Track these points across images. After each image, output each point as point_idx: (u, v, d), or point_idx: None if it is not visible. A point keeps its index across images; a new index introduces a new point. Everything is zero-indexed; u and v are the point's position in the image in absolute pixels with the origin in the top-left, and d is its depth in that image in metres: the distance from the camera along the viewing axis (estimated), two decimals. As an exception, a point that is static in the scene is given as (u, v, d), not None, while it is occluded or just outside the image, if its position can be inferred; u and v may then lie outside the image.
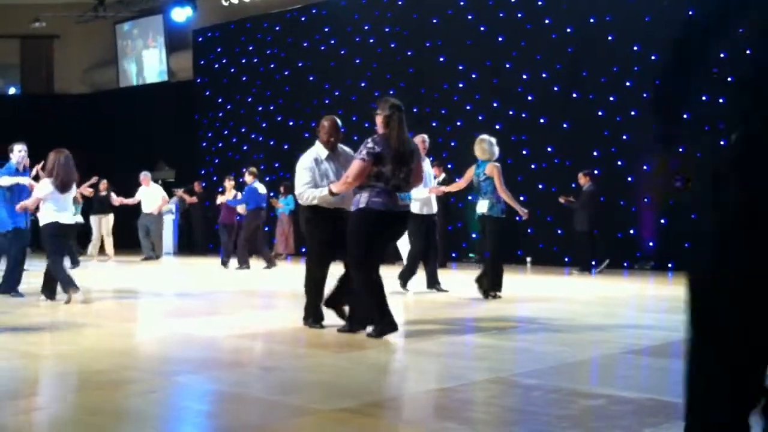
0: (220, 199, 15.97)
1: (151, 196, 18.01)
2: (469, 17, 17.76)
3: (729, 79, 12.75)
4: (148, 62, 25.00)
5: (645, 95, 15.36)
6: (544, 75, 16.65)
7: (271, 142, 21.10)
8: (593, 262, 15.16)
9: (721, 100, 14.56)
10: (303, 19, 20.82)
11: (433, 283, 10.59)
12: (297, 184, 7.06)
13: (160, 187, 18.66)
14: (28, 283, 10.15)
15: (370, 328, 6.60)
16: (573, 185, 15.87)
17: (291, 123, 20.61)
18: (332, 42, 20.06)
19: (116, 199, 17.36)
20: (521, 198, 15.43)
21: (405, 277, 10.36)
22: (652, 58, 15.30)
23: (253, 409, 4.28)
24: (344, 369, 5.58)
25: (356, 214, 6.55)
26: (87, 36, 25.35)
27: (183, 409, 4.45)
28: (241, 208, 15.38)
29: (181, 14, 22.01)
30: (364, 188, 6.53)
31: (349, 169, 6.60)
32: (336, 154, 7.11)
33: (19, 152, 10.00)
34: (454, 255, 17.06)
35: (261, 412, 4.24)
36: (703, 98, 14.74)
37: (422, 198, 10.18)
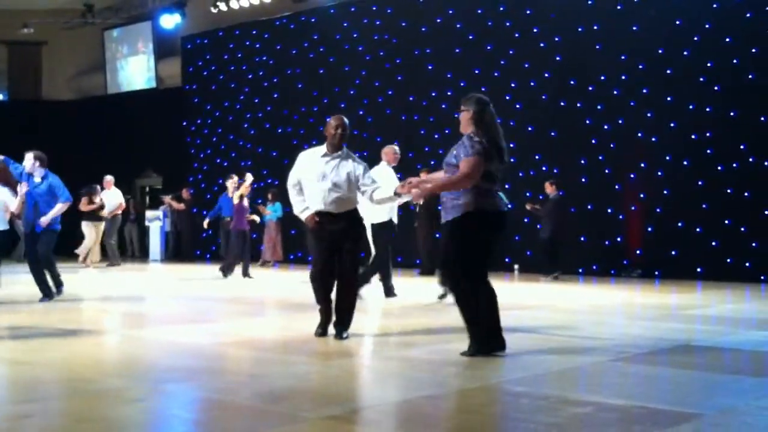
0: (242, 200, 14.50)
1: (111, 199, 17.89)
2: (458, 26, 17.80)
3: (716, 87, 12.91)
4: (136, 69, 24.94)
5: (632, 104, 15.45)
6: (532, 83, 16.70)
7: (260, 149, 21.07)
8: (581, 271, 15.20)
9: (708, 109, 14.66)
10: (292, 26, 20.84)
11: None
12: (288, 184, 7.17)
13: (120, 192, 18.41)
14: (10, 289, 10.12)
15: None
16: (561, 193, 15.92)
17: (279, 130, 20.59)
18: (321, 50, 20.07)
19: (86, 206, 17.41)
20: (509, 206, 15.50)
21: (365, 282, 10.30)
22: (640, 67, 15.39)
23: (241, 417, 4.27)
24: (332, 377, 5.58)
25: (463, 220, 5.94)
26: (75, 42, 25.27)
27: (171, 417, 4.44)
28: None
29: (169, 21, 21.99)
30: (464, 190, 5.94)
31: (463, 166, 5.91)
32: (339, 154, 7.05)
33: (27, 160, 10.06)
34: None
35: (249, 419, 4.23)
36: (690, 107, 14.86)
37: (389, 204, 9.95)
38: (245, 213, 14.54)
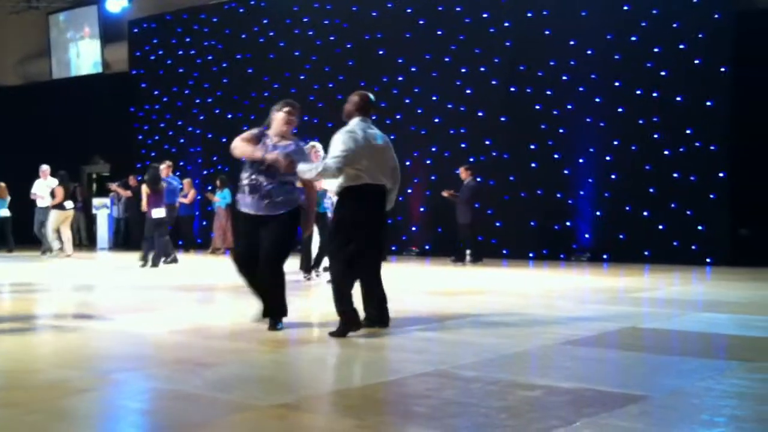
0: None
1: (45, 189, 17.64)
2: (408, 11, 17.80)
3: (663, 72, 13.01)
4: (82, 54, 24.51)
5: (581, 89, 15.60)
6: (482, 69, 16.77)
7: (209, 135, 20.88)
8: (531, 255, 15.33)
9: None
10: (241, 10, 20.65)
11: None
12: None
13: (56, 180, 18.11)
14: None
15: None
16: (512, 178, 16.06)
17: (229, 116, 20.42)
18: (271, 34, 19.94)
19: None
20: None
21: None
22: (588, 52, 15.54)
23: (192, 406, 4.24)
24: (283, 364, 5.56)
25: (295, 213, 6.73)
26: (20, 27, 24.75)
27: (120, 407, 4.39)
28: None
29: (116, 5, 21.64)
30: (293, 184, 6.78)
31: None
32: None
33: None
34: (393, 248, 17.11)
35: (200, 409, 4.20)
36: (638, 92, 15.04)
37: None
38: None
